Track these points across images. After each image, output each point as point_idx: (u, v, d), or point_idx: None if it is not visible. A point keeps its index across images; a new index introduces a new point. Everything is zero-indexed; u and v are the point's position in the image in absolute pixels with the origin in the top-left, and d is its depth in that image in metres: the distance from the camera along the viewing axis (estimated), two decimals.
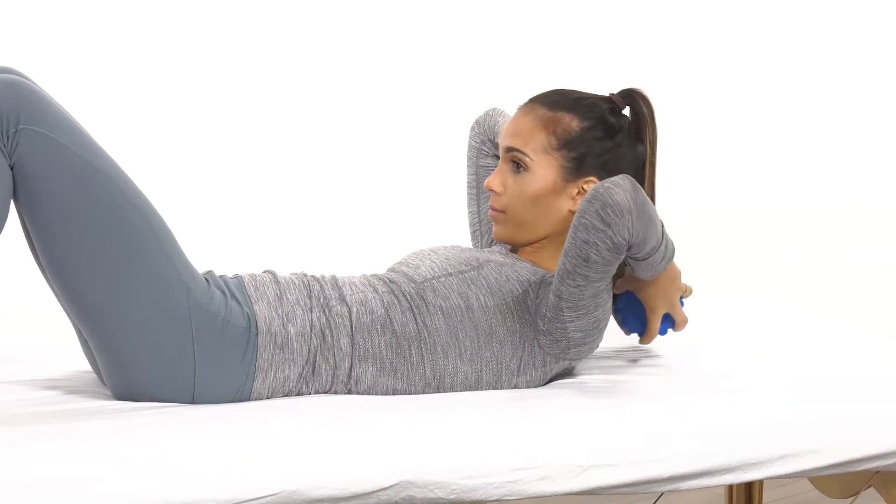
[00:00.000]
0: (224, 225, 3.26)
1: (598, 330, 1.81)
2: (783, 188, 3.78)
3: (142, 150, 3.11)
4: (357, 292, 1.82)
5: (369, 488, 1.48)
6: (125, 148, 2.29)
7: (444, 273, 1.84)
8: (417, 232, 2.72)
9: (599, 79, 3.69)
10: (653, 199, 1.91)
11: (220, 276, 1.81)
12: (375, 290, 1.82)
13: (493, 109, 2.13)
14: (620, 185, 1.69)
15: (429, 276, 1.84)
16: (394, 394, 1.79)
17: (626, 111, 1.95)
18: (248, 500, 1.43)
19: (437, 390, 1.80)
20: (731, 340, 2.14)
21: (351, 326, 1.78)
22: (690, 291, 1.97)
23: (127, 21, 3.17)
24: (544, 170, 1.89)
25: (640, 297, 1.93)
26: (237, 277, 1.82)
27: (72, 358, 2.02)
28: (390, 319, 1.79)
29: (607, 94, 1.94)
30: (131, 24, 3.17)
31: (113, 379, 1.73)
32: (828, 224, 3.68)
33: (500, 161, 1.93)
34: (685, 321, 1.97)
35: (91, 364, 1.82)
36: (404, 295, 1.81)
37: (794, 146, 3.79)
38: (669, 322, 1.96)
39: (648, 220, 1.72)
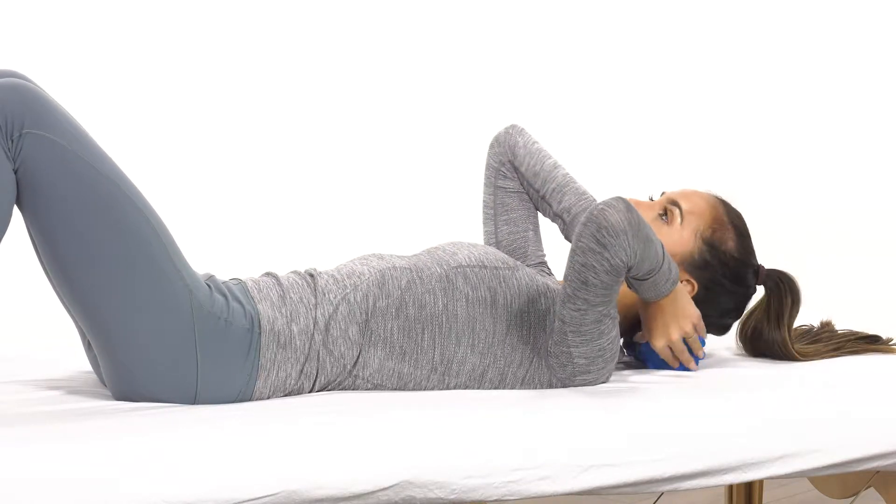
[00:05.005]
0: (223, 227, 3.27)
1: (602, 360, 1.80)
2: (782, 189, 3.78)
3: (141, 153, 3.11)
4: (374, 272, 1.82)
5: (369, 488, 1.48)
6: (125, 151, 2.29)
7: (480, 265, 1.85)
8: (416, 233, 2.72)
9: (602, 83, 3.70)
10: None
11: (223, 282, 1.81)
12: (394, 268, 1.83)
13: (513, 127, 2.08)
14: (614, 206, 1.71)
15: (463, 264, 1.85)
16: (399, 378, 1.79)
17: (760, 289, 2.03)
18: (248, 500, 1.43)
19: (443, 376, 1.80)
20: (730, 341, 2.14)
21: (367, 313, 1.78)
22: (692, 332, 1.89)
23: (127, 23, 3.17)
24: (679, 239, 1.93)
25: (641, 318, 1.91)
26: (239, 282, 1.82)
27: (72, 358, 2.02)
28: (406, 302, 1.79)
29: (759, 264, 2.00)
30: (131, 26, 3.17)
31: (115, 380, 1.73)
32: (828, 224, 3.68)
33: (658, 201, 1.98)
34: (686, 360, 1.91)
35: (92, 365, 1.82)
36: (431, 276, 1.82)
37: (792, 147, 3.79)
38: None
39: (646, 241, 1.73)
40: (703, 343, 1.94)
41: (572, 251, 1.74)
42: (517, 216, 2.08)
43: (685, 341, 1.90)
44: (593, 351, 1.79)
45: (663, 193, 2.00)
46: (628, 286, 1.86)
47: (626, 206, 1.72)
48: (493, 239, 2.10)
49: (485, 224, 2.12)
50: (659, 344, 1.90)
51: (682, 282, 1.93)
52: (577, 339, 1.78)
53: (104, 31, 3.14)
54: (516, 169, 2.05)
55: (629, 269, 1.74)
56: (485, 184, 2.11)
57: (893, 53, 3.64)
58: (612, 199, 1.72)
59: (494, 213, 2.10)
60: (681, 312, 1.88)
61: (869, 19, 3.66)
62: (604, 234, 1.70)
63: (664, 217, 1.95)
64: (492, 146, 2.10)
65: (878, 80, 3.66)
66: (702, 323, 1.91)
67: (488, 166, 2.10)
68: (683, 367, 1.93)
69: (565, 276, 1.76)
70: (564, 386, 1.82)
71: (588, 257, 1.71)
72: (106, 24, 3.14)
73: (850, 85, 3.69)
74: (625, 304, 1.93)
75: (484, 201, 2.12)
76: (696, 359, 1.94)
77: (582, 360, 1.79)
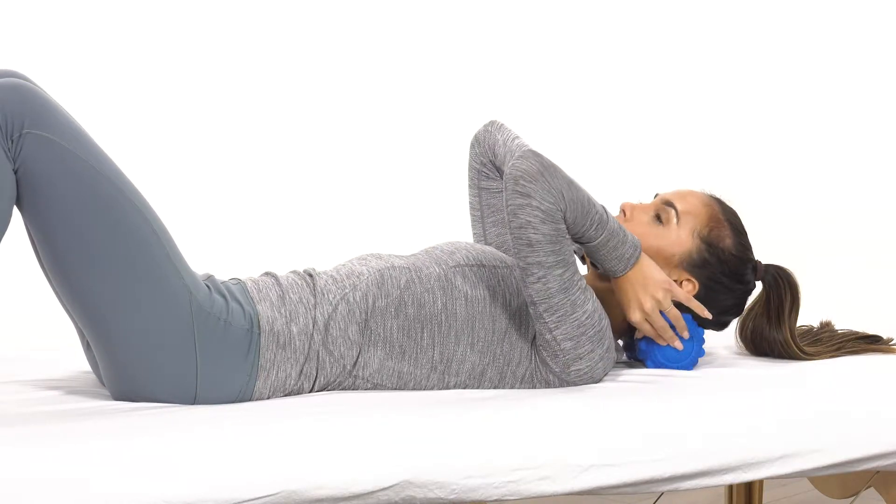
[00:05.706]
0: (223, 227, 3.27)
1: (588, 339, 1.78)
2: (782, 189, 3.78)
3: (141, 153, 3.11)
4: (373, 272, 1.82)
5: (369, 488, 1.48)
6: (125, 151, 2.29)
7: (478, 264, 1.85)
8: (415, 233, 2.72)
9: (599, 83, 3.70)
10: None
11: (222, 282, 1.81)
12: (393, 268, 1.82)
13: (492, 124, 2.03)
14: (523, 157, 1.73)
15: (462, 263, 1.85)
16: (398, 377, 1.80)
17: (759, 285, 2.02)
18: (248, 500, 1.43)
19: (442, 375, 1.80)
20: (730, 341, 2.14)
21: (366, 312, 1.78)
22: (664, 300, 1.86)
23: (127, 23, 3.17)
24: (677, 240, 1.92)
25: (619, 301, 1.88)
26: (239, 282, 1.82)
27: (72, 358, 2.02)
28: (405, 301, 1.79)
29: (757, 260, 1.99)
30: (131, 26, 3.17)
31: (114, 380, 1.73)
32: (828, 224, 3.68)
33: (652, 203, 1.96)
34: (670, 338, 1.89)
35: (92, 365, 1.83)
36: (429, 275, 1.82)
37: (792, 147, 3.79)
38: (698, 345, 1.92)
39: (569, 184, 1.74)
40: (702, 332, 1.94)
41: (507, 222, 1.74)
42: (504, 217, 2.08)
43: (670, 323, 1.89)
44: (573, 328, 1.77)
45: (657, 195, 2.00)
46: (591, 261, 1.85)
47: (535, 153, 1.74)
48: (482, 241, 2.09)
49: (473, 226, 2.11)
50: (635, 317, 1.86)
51: (682, 281, 1.93)
52: (553, 318, 1.77)
53: (104, 31, 3.14)
54: (498, 168, 2.02)
55: (566, 219, 1.73)
56: (469, 185, 2.10)
57: (893, 53, 3.64)
58: (519, 151, 1.74)
59: (481, 214, 2.09)
60: (649, 280, 1.85)
61: (869, 19, 3.66)
62: (522, 184, 1.71)
63: (660, 219, 1.94)
64: (472, 146, 2.07)
65: (877, 81, 3.66)
66: (676, 288, 1.87)
67: (470, 167, 2.08)
68: (678, 365, 1.92)
69: (514, 254, 1.76)
70: (563, 383, 1.81)
71: (520, 216, 1.71)
72: (106, 24, 3.14)
73: (849, 85, 3.69)
74: (614, 305, 1.91)
75: (470, 203, 2.10)
76: (693, 347, 1.92)
77: (567, 342, 1.78)
